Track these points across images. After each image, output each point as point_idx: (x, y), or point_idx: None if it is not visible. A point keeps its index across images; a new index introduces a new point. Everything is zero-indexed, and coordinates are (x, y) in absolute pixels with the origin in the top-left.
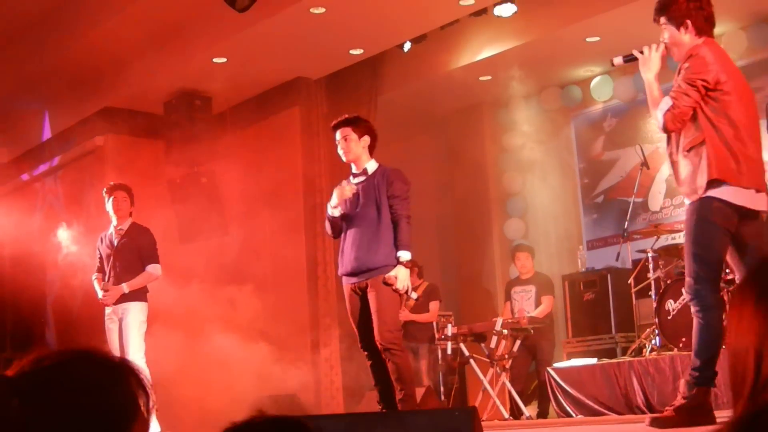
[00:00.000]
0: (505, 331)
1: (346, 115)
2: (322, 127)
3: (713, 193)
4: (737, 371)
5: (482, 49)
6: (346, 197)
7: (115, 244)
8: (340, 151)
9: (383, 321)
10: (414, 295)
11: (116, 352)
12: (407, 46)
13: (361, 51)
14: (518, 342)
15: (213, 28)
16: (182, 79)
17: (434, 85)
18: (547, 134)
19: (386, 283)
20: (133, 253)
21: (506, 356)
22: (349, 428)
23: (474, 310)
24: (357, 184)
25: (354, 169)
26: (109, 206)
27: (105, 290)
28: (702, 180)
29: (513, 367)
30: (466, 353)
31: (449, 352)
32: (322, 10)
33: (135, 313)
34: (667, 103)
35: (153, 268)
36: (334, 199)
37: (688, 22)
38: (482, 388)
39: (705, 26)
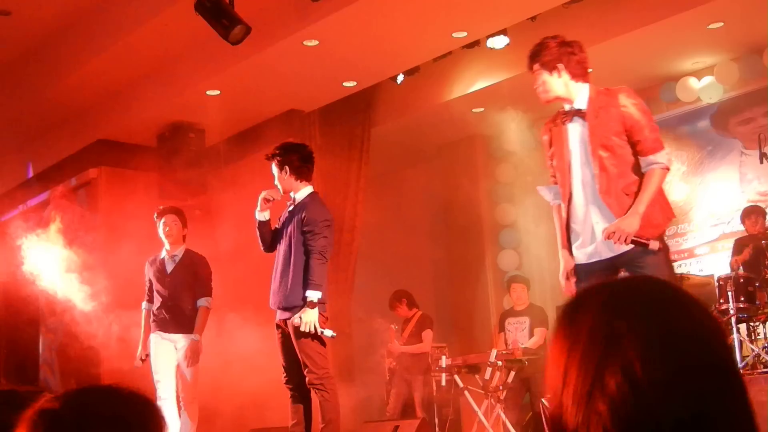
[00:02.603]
0: (500, 363)
1: (271, 148)
2: (316, 158)
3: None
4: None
5: (475, 81)
6: (263, 198)
7: (168, 271)
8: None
9: (303, 363)
10: (329, 333)
11: (164, 378)
12: (400, 78)
13: (354, 83)
14: (513, 373)
15: (206, 60)
16: (175, 111)
17: (427, 117)
18: (540, 166)
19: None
20: (185, 283)
21: (501, 387)
22: None
23: (468, 342)
24: (288, 212)
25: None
26: (160, 230)
27: (141, 359)
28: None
29: (508, 398)
30: (461, 385)
31: (443, 383)
32: (315, 42)
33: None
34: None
35: (206, 302)
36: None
37: (560, 66)
38: (477, 419)
39: (578, 71)
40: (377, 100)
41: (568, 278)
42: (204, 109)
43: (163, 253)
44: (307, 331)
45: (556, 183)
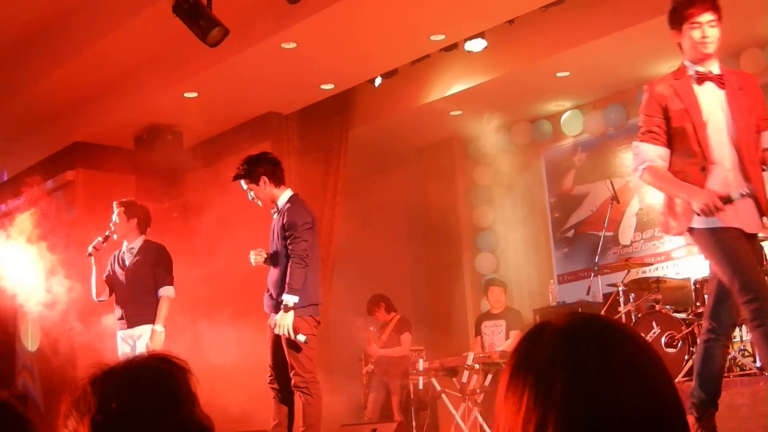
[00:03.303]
0: (477, 366)
1: (236, 169)
2: (293, 161)
3: None
4: None
5: (453, 84)
6: (255, 263)
7: (127, 263)
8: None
9: (290, 365)
10: (301, 338)
11: None
12: (378, 81)
13: (332, 86)
14: (490, 376)
15: (184, 62)
16: (153, 113)
17: (405, 120)
18: (517, 168)
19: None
20: (145, 275)
21: (478, 391)
22: None
23: (445, 345)
24: (274, 219)
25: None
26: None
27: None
28: None
29: (485, 401)
30: (438, 388)
31: (421, 386)
32: (293, 45)
33: (149, 338)
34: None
35: (167, 291)
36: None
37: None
38: (454, 422)
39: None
40: (355, 103)
41: (717, 209)
42: (181, 112)
43: (123, 247)
44: (281, 334)
45: (657, 142)
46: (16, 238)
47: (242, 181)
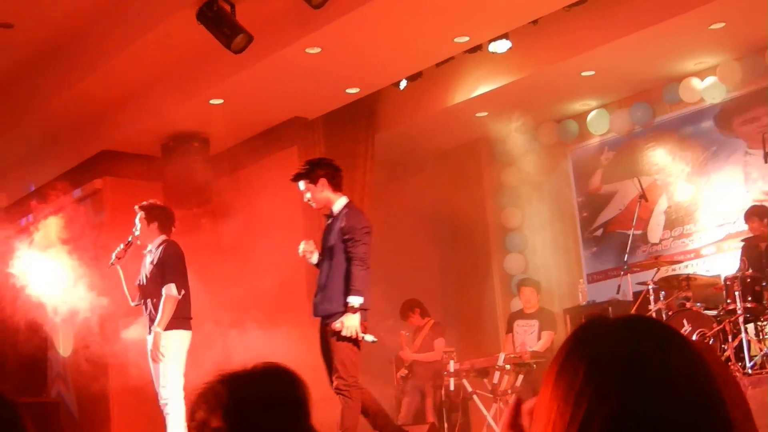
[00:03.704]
0: (508, 366)
1: (298, 169)
2: None
3: None
4: None
5: (478, 85)
6: (303, 253)
7: (147, 265)
8: (311, 204)
9: (335, 368)
10: (369, 338)
11: (156, 381)
12: (403, 84)
13: (357, 90)
14: (521, 377)
15: (209, 69)
16: (179, 121)
17: (431, 122)
18: (544, 169)
19: (334, 332)
20: (157, 275)
21: (509, 391)
22: None
23: (476, 346)
24: (327, 225)
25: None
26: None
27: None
28: None
29: None
30: (469, 389)
31: (452, 388)
32: (317, 50)
33: (172, 343)
34: None
35: (169, 289)
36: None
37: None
38: (486, 423)
39: None
40: (380, 107)
41: None
42: (208, 118)
43: (146, 249)
44: (349, 335)
45: None
46: (45, 246)
47: (300, 182)
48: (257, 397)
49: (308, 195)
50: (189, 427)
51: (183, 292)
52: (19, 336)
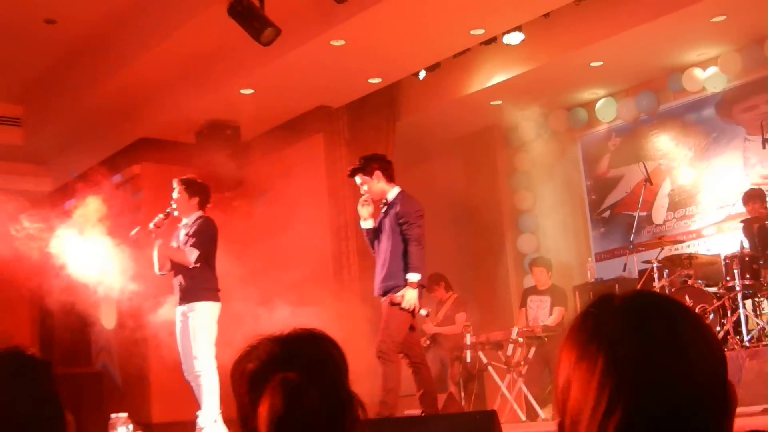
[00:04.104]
0: (521, 339)
1: (355, 163)
2: (344, 151)
3: None
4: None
5: (493, 75)
6: (363, 207)
7: (180, 239)
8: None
9: (382, 332)
10: (423, 312)
11: (183, 354)
12: (422, 74)
13: (379, 80)
14: (533, 349)
15: (240, 61)
16: (212, 110)
17: (448, 110)
18: (555, 154)
19: (394, 303)
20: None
21: (522, 362)
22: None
23: (490, 321)
24: (383, 213)
25: (383, 202)
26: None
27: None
28: None
29: (528, 372)
30: (485, 360)
31: (469, 359)
32: (341, 42)
33: (202, 313)
34: None
35: (189, 251)
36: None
37: None
38: (500, 392)
39: None
40: (401, 95)
41: None
42: (239, 107)
43: (181, 223)
44: (408, 308)
45: None
46: (87, 227)
47: (357, 176)
48: (312, 354)
49: (365, 187)
50: (238, 381)
51: (199, 264)
52: (64, 311)
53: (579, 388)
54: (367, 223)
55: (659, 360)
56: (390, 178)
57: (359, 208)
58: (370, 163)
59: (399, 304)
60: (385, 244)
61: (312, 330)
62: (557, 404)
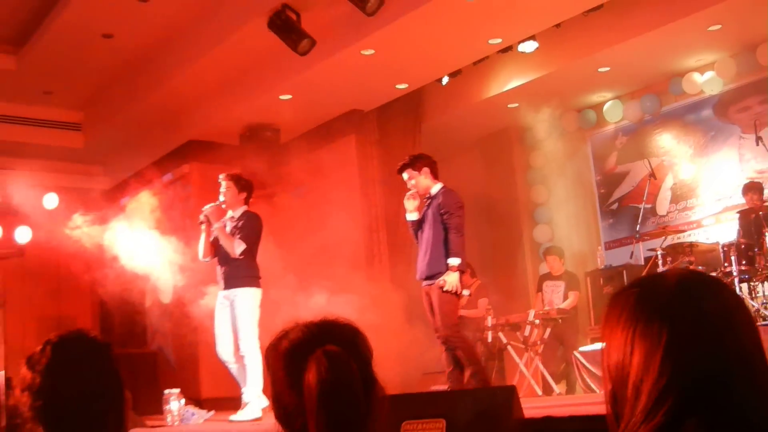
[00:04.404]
0: (537, 321)
1: (403, 160)
2: (374, 152)
3: None
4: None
5: (509, 80)
6: (408, 200)
7: (228, 231)
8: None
9: (440, 320)
10: (466, 293)
11: (223, 337)
12: (445, 80)
13: (406, 85)
14: (548, 330)
15: (279, 70)
16: (254, 114)
17: (469, 112)
18: (567, 152)
19: (442, 289)
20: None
21: (538, 342)
22: (404, 407)
23: (509, 304)
24: (427, 207)
25: (427, 197)
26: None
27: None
28: None
29: (544, 351)
30: (504, 341)
31: (489, 340)
32: (371, 51)
33: (246, 298)
34: None
35: (236, 242)
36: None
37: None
38: (518, 370)
39: None
40: (426, 100)
41: None
42: (278, 112)
43: (227, 216)
44: (451, 290)
45: None
46: (141, 221)
47: (405, 172)
48: (345, 333)
49: (412, 182)
50: (274, 360)
51: (242, 256)
52: (121, 299)
53: (641, 362)
54: (413, 215)
55: (714, 333)
56: (435, 175)
57: (405, 201)
58: (419, 161)
59: (442, 287)
60: (427, 233)
61: (339, 317)
62: (610, 375)
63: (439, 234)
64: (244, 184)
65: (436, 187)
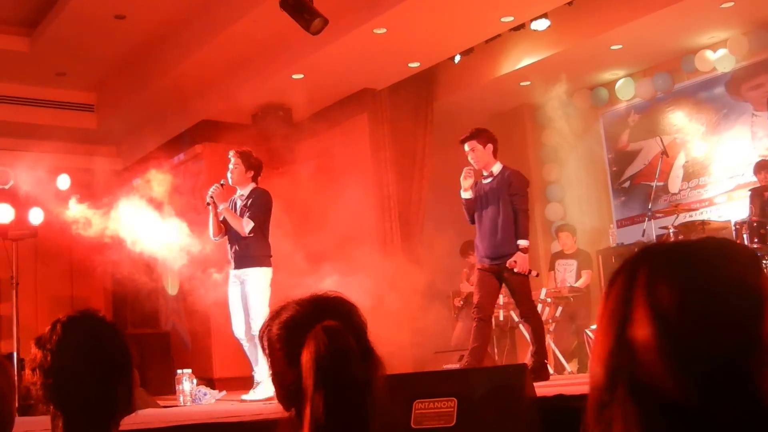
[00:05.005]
0: (549, 300)
1: (470, 130)
2: (387, 130)
3: None
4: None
5: (521, 58)
6: (466, 179)
7: (237, 209)
8: (471, 161)
9: (518, 299)
10: (534, 273)
11: (237, 316)
12: (457, 58)
13: (418, 64)
14: (560, 308)
15: (291, 49)
16: (266, 93)
17: (481, 91)
18: (579, 130)
19: (510, 267)
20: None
21: (550, 321)
22: (415, 385)
23: None
24: (486, 184)
25: (484, 173)
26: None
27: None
28: None
29: (556, 330)
30: (516, 319)
31: (501, 318)
32: (383, 30)
33: (257, 278)
34: None
35: (245, 221)
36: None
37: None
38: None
39: None
40: (438, 78)
41: None
42: (290, 91)
43: (236, 194)
44: (521, 270)
45: None
46: (155, 201)
47: (467, 143)
48: (341, 307)
49: (472, 154)
50: (271, 338)
51: (253, 234)
52: (136, 277)
53: (614, 302)
54: (468, 194)
55: (724, 305)
56: (496, 152)
57: (462, 179)
58: (486, 134)
59: (513, 269)
60: (493, 213)
61: (329, 291)
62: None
63: (508, 215)
64: (252, 162)
65: (497, 166)
